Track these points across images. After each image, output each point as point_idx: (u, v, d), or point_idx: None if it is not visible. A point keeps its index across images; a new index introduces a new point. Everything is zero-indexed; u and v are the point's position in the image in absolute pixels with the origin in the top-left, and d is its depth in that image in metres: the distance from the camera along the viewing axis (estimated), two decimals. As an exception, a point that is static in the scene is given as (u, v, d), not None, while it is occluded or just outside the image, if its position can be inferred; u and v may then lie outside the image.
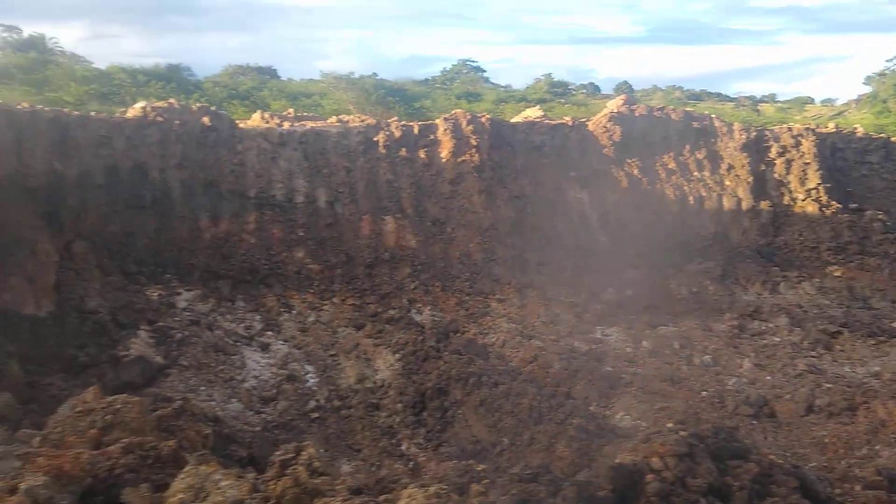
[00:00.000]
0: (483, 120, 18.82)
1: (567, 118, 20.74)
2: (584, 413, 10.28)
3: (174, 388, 10.76)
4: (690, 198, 20.13)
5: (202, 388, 11.09)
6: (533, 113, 20.86)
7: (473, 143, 18.42)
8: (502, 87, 70.42)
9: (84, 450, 5.49)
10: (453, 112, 19.27)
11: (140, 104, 17.36)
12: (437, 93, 54.59)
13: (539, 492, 4.59)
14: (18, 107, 15.73)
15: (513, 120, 20.87)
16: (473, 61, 76.52)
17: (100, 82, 41.01)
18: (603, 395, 11.53)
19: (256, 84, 48.79)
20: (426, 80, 70.46)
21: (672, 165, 20.42)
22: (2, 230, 11.59)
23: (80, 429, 6.78)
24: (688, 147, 20.62)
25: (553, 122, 20.24)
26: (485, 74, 75.43)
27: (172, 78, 43.46)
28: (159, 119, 16.64)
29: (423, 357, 12.96)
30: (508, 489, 4.60)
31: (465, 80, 71.03)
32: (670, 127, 20.73)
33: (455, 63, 77.33)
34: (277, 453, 4.95)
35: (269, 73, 62.35)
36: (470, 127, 18.51)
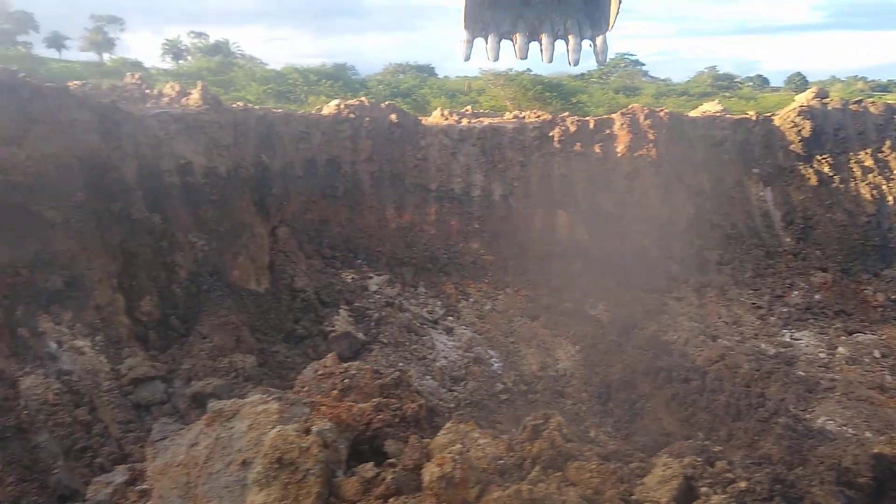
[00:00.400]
0: (661, 114, 18.50)
1: (751, 112, 19.86)
2: (788, 414, 9.98)
3: (377, 362, 11.68)
4: (890, 198, 18.59)
5: (400, 364, 11.93)
6: (712, 107, 20.17)
7: (651, 137, 18.17)
8: (661, 80, 68.10)
9: (353, 403, 6.23)
10: (630, 106, 19.11)
11: (334, 102, 18.76)
12: (593, 87, 53.79)
13: (788, 475, 4.67)
14: (233, 106, 17.60)
15: (690, 114, 20.30)
16: (632, 55, 74.49)
17: (276, 82, 44.33)
18: (801, 399, 11.07)
19: (417, 82, 50.49)
20: (582, 74, 69.41)
21: (869, 163, 18.95)
22: (229, 216, 13.08)
23: (324, 389, 7.62)
24: (888, 143, 19.05)
25: (735, 117, 19.48)
26: (643, 68, 73.24)
27: (339, 77, 46.13)
28: (351, 116, 17.91)
29: (604, 350, 13.08)
30: (756, 470, 4.72)
31: (623, 74, 69.40)
32: (868, 121, 19.25)
33: (612, 57, 75.64)
34: (528, 419, 5.38)
35: (428, 70, 64.33)
36: (647, 121, 18.26)
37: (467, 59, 4.84)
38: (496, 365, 13.05)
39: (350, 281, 15.63)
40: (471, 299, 16.52)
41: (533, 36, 4.54)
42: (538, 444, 5.02)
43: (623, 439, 10.25)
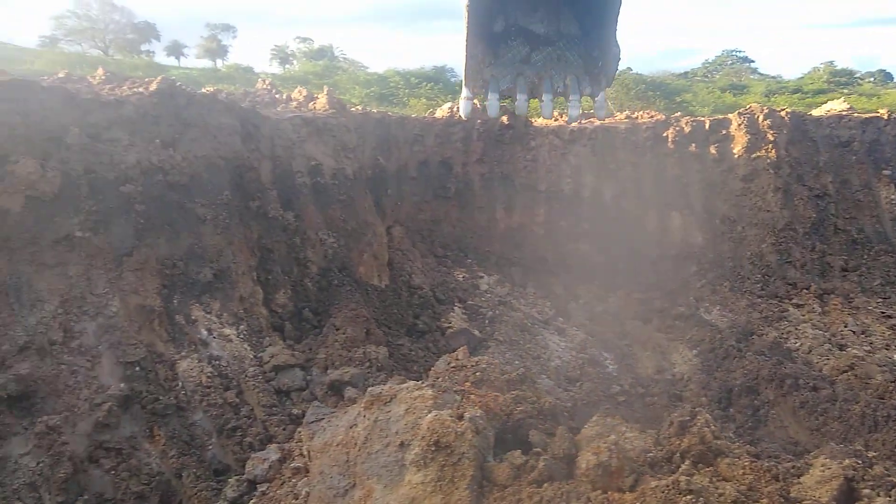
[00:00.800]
0: (782, 114, 17.86)
1: (882, 111, 18.82)
2: (932, 427, 9.52)
3: (489, 360, 11.94)
4: None
5: (516, 361, 12.16)
6: (838, 106, 19.27)
7: (770, 137, 17.57)
8: (772, 77, 65.27)
9: (497, 394, 6.54)
10: (749, 106, 18.56)
11: (447, 105, 19.25)
12: (698, 86, 52.25)
13: (954, 485, 4.58)
14: (353, 110, 18.37)
15: (813, 113, 19.47)
16: (739, 51, 71.87)
17: (378, 85, 45.59)
18: (942, 413, 10.50)
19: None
20: (685, 72, 67.72)
21: None
22: (355, 215, 13.73)
23: (457, 380, 7.96)
24: None
25: (864, 115, 18.54)
26: (752, 65, 70.53)
27: (439, 79, 46.92)
28: (463, 119, 18.31)
29: (722, 355, 12.83)
30: (918, 478, 4.65)
31: (729, 71, 67.08)
32: None
33: (718, 54, 73.21)
34: (675, 415, 5.49)
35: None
36: (767, 121, 17.68)
37: (467, 115, 5.04)
38: (611, 367, 13.06)
39: (462, 279, 16.03)
40: (581, 301, 16.57)
41: (533, 93, 4.67)
42: (687, 439, 5.13)
43: (747, 445, 10.05)
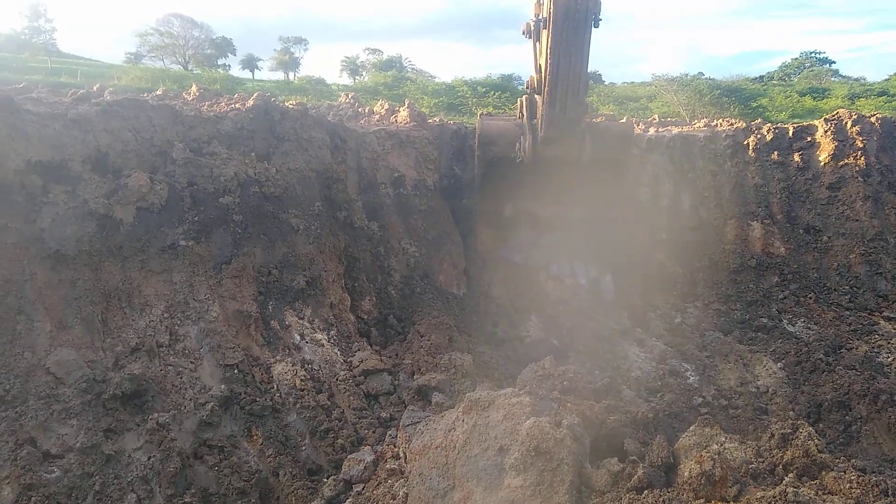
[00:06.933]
0: (872, 119, 17.27)
1: (981, 115, 17.98)
2: None
3: (576, 370, 12.00)
4: None
5: (596, 371, 12.16)
6: (931, 110, 18.49)
7: (859, 144, 17.01)
8: (854, 79, 62.83)
9: (593, 403, 6.66)
10: (836, 112, 18.02)
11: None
12: (775, 90, 50.81)
13: None
14: (430, 121, 18.74)
15: (905, 118, 18.73)
16: (819, 53, 69.45)
17: (447, 95, 46.12)
18: None
19: (585, 91, 49.96)
20: (760, 77, 65.95)
21: None
22: (435, 224, 14.05)
23: (544, 389, 8.10)
24: None
25: (961, 120, 17.74)
26: (833, 66, 68.04)
27: (506, 88, 47.16)
28: (538, 128, 18.38)
29: (810, 369, 12.50)
30: None
31: (808, 74, 64.86)
32: None
33: (796, 56, 70.96)
34: (776, 426, 5.50)
35: (594, 78, 63.83)
36: (856, 128, 17.13)
37: None
38: (692, 378, 12.89)
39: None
40: (659, 311, 16.37)
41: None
42: (790, 451, 5.14)
43: (853, 460, 9.80)
